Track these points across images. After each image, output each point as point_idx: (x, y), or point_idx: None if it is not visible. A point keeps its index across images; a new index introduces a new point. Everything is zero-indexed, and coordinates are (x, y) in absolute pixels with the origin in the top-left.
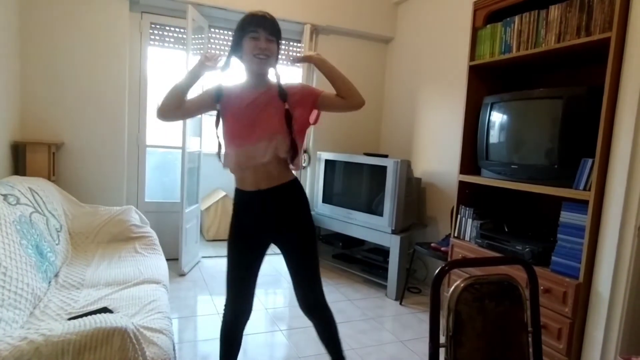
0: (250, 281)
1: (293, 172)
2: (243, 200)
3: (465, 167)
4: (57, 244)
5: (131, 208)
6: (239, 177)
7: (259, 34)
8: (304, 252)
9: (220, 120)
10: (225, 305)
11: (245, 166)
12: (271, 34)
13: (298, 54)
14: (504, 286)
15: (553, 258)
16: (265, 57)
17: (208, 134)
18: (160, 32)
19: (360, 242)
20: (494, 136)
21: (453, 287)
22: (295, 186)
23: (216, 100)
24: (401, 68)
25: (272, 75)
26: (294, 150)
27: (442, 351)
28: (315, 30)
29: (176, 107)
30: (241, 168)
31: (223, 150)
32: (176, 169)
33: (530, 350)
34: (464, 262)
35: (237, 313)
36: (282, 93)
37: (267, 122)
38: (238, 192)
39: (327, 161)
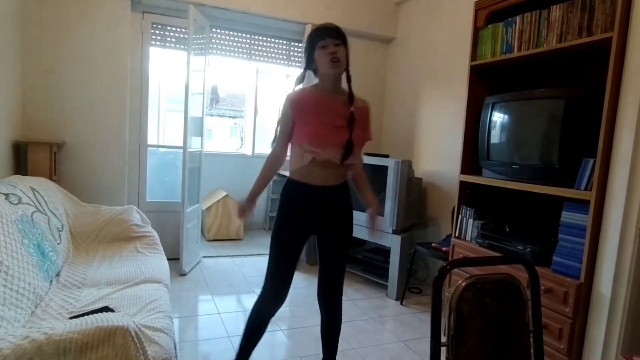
0: (294, 268)
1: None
2: (303, 193)
3: (466, 167)
4: (58, 244)
5: (132, 208)
6: (306, 171)
7: (326, 41)
8: (344, 248)
9: (294, 123)
10: (265, 294)
11: (320, 164)
12: (337, 38)
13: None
14: (505, 285)
15: (554, 258)
16: (337, 59)
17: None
18: (162, 32)
19: (361, 242)
20: (495, 136)
21: (455, 286)
22: (348, 187)
23: (293, 114)
24: (402, 68)
25: (344, 82)
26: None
27: (443, 350)
28: None
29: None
30: (313, 165)
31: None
32: (177, 168)
33: (532, 350)
34: (466, 262)
35: (278, 299)
36: (351, 97)
37: (344, 128)
38: (297, 184)
39: None
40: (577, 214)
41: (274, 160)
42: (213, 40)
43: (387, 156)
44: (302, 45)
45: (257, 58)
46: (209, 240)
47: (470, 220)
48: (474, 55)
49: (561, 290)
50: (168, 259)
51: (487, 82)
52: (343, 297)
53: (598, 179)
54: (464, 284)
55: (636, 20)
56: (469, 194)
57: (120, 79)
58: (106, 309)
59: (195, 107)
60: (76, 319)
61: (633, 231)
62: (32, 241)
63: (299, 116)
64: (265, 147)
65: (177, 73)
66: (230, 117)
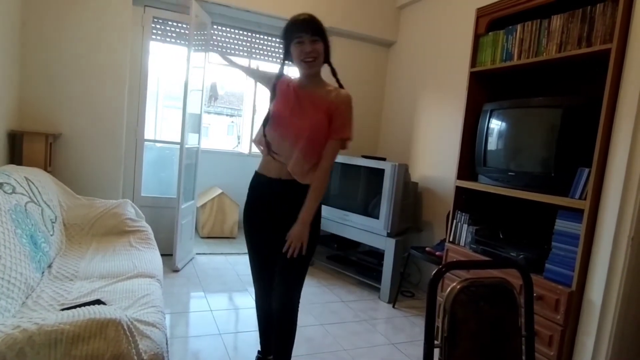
0: (268, 269)
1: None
2: (260, 184)
3: (462, 173)
4: (51, 235)
5: (127, 202)
6: (264, 161)
7: (303, 38)
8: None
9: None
10: (255, 292)
11: (272, 151)
12: (314, 34)
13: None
14: (499, 289)
15: (547, 265)
16: (312, 59)
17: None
18: (163, 27)
19: (355, 244)
20: (492, 143)
21: (449, 289)
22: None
23: (274, 81)
24: (402, 72)
25: (324, 74)
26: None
27: (436, 352)
28: None
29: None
30: (268, 152)
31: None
32: (173, 164)
33: (524, 358)
34: (462, 264)
35: (263, 297)
36: (326, 92)
37: (300, 122)
38: (257, 175)
39: None
40: (571, 222)
41: None
42: (214, 37)
43: (384, 159)
44: None
45: (258, 56)
46: (202, 238)
47: (465, 226)
48: (473, 61)
49: (553, 297)
50: (161, 255)
51: (486, 89)
52: (336, 298)
53: (592, 189)
54: (458, 286)
55: (635, 32)
56: (464, 200)
57: (119, 72)
58: (98, 302)
59: (194, 103)
60: (68, 311)
61: (625, 241)
62: (25, 231)
63: (276, 91)
64: None
65: (177, 69)
66: (227, 115)
